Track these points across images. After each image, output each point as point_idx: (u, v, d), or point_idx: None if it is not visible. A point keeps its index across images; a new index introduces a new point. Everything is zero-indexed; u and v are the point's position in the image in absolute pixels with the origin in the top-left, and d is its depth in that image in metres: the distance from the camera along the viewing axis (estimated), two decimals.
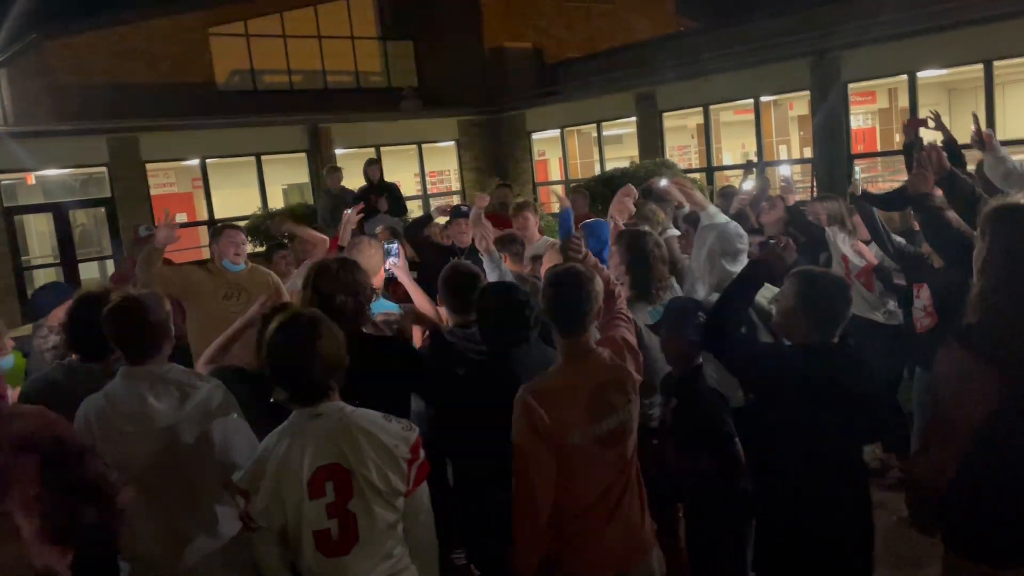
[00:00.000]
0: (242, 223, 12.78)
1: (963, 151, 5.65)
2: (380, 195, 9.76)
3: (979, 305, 2.28)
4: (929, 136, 6.06)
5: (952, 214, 3.95)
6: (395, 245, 4.16)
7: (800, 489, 2.69)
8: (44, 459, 2.11)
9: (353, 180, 11.30)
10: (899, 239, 4.70)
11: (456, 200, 17.66)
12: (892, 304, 4.91)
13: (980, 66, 10.86)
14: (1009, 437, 2.21)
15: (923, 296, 4.20)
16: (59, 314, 4.05)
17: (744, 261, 3.74)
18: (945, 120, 5.98)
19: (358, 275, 3.01)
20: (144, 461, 2.63)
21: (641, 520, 2.77)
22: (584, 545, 2.64)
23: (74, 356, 3.21)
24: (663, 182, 5.71)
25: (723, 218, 4.06)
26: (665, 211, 5.55)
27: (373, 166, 10.11)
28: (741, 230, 3.95)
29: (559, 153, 18.16)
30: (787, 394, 2.69)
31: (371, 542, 2.31)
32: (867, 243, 4.99)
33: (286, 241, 6.30)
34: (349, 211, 5.29)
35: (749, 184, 5.62)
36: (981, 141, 4.23)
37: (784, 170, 5.67)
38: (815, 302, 2.74)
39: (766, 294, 3.60)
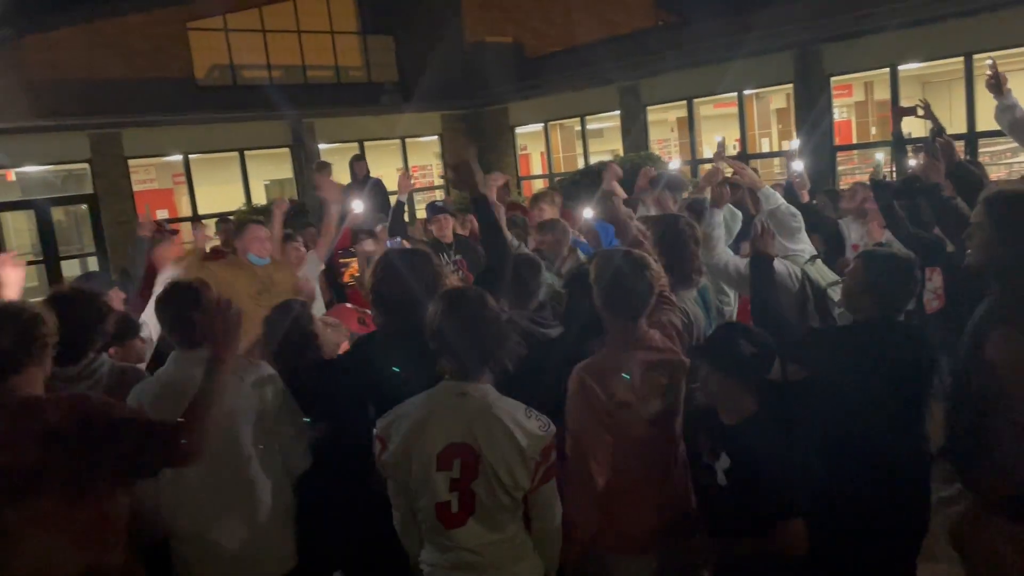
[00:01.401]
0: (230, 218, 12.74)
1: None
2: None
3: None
4: (911, 124, 6.22)
5: (961, 202, 4.09)
6: (398, 239, 4.23)
7: (860, 464, 2.73)
8: (73, 446, 2.17)
9: (340, 175, 11.28)
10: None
11: (439, 194, 17.73)
12: None
13: (960, 59, 11.10)
14: None
15: (935, 279, 4.34)
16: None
17: (803, 238, 3.88)
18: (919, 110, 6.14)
19: (429, 268, 3.01)
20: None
21: (687, 498, 2.84)
22: (631, 521, 2.71)
23: None
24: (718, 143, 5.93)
25: (778, 200, 4.24)
26: (676, 199, 5.65)
27: (360, 162, 10.08)
28: (795, 209, 4.15)
29: (542, 147, 18.23)
30: (849, 370, 2.75)
31: (487, 519, 2.40)
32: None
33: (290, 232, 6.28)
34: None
35: (799, 166, 5.73)
36: (997, 85, 4.34)
37: (797, 165, 5.76)
38: (879, 280, 2.84)
39: (826, 276, 3.73)
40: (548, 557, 2.52)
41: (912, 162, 5.80)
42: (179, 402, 2.67)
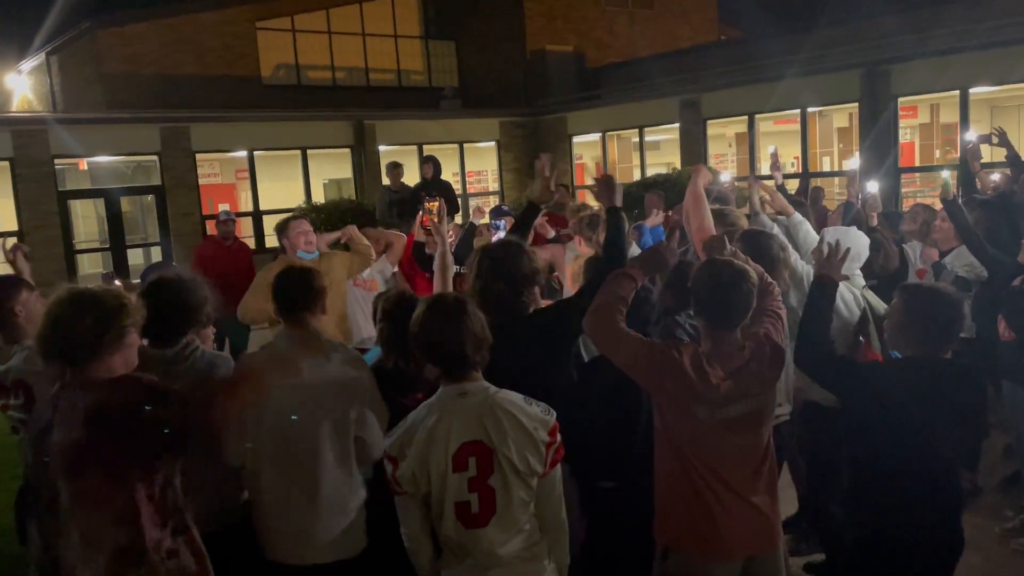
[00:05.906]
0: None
1: None
2: (432, 193, 9.85)
3: None
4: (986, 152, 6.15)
5: None
6: (503, 220, 4.25)
7: (896, 498, 2.71)
8: (117, 427, 2.23)
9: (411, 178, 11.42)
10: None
11: (494, 200, 17.86)
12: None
13: None
14: None
15: None
16: None
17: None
18: (994, 138, 6.04)
19: (520, 263, 3.08)
20: None
21: (772, 508, 2.80)
22: (713, 528, 2.69)
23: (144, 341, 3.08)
24: (724, 177, 5.92)
25: (808, 230, 4.31)
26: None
27: (428, 164, 10.19)
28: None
29: (598, 157, 18.25)
30: (893, 407, 2.69)
31: (507, 516, 2.46)
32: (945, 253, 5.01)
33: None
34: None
35: (874, 187, 5.70)
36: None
37: (872, 187, 5.72)
38: (925, 316, 2.75)
39: (879, 302, 3.71)
40: (559, 551, 2.58)
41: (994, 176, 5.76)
42: None
